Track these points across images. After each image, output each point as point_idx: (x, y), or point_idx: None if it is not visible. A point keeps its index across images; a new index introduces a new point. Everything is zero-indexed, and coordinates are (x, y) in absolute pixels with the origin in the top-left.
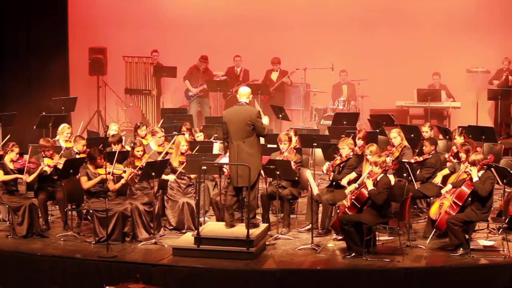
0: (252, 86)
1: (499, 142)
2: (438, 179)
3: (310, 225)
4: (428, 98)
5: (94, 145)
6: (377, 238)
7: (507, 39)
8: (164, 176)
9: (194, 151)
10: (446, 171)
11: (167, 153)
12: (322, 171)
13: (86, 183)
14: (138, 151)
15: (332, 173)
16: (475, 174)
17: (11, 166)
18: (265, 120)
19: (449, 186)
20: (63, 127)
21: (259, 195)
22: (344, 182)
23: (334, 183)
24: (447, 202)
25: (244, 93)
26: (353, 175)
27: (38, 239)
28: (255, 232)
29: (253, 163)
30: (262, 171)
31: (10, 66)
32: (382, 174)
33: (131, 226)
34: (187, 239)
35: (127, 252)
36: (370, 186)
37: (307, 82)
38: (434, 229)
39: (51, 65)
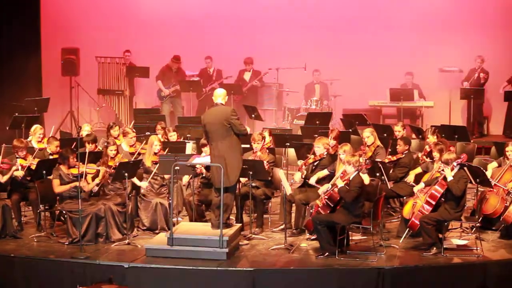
0: (225, 86)
1: (471, 141)
2: (410, 178)
3: (284, 225)
4: (401, 97)
5: (67, 145)
6: (350, 238)
7: (479, 39)
8: (137, 182)
9: (166, 151)
10: (418, 170)
11: (139, 154)
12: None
13: (58, 187)
14: (111, 150)
15: (305, 172)
16: (449, 173)
17: None
18: None
19: (421, 185)
20: (35, 128)
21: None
22: (312, 181)
23: (307, 183)
24: (420, 202)
25: (219, 94)
26: (323, 172)
27: (11, 240)
28: (228, 232)
29: (232, 163)
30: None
31: None
32: (355, 174)
33: (104, 227)
34: (160, 239)
35: (100, 252)
36: (340, 184)
37: (280, 82)
38: (408, 229)
39: (23, 65)
